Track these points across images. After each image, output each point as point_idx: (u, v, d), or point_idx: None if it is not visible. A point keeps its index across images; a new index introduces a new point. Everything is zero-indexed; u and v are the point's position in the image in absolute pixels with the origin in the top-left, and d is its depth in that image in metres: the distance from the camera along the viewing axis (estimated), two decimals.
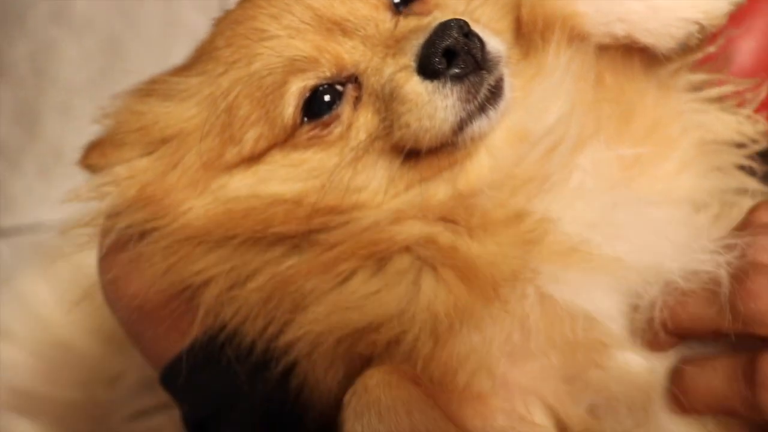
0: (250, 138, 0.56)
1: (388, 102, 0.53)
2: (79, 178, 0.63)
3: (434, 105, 0.52)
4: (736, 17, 1.04)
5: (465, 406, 0.51)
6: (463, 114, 0.52)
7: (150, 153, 0.60)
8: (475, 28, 0.52)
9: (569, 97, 0.56)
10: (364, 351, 0.52)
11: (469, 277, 0.51)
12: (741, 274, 0.52)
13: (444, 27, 0.50)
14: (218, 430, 0.65)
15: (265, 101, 0.56)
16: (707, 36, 0.65)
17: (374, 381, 0.48)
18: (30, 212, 1.93)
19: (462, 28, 0.50)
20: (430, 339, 0.51)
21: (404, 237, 0.52)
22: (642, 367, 0.56)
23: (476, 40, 0.51)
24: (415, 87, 0.52)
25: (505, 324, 0.52)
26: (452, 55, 0.51)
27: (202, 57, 0.62)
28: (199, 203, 0.57)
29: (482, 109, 0.53)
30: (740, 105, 0.68)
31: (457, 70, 0.51)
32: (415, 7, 0.59)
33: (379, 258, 0.53)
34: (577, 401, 0.55)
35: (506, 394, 0.53)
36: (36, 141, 2.02)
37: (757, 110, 0.67)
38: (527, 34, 0.61)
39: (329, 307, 0.52)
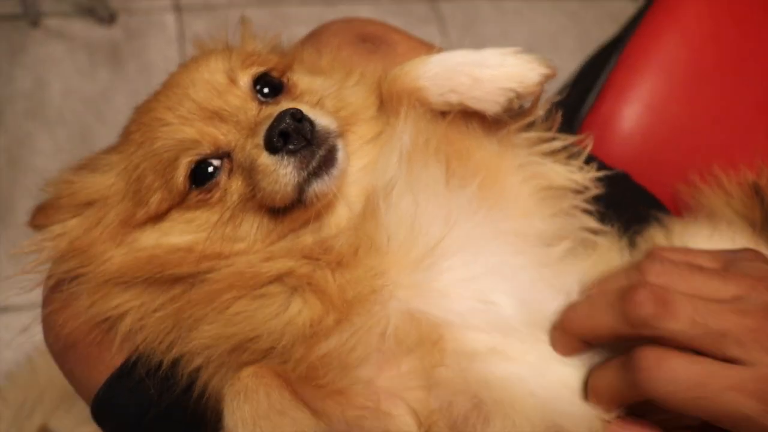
0: (155, 201, 0.68)
1: (250, 171, 0.66)
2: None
3: (278, 172, 0.64)
4: (619, 87, 1.21)
5: (328, 397, 0.60)
6: (299, 178, 0.65)
7: (79, 214, 0.71)
8: (309, 112, 0.65)
9: (403, 158, 0.68)
10: (248, 359, 0.62)
11: (323, 299, 0.63)
12: (632, 288, 0.60)
13: (281, 115, 0.64)
14: None
15: (164, 172, 0.68)
16: (534, 101, 0.75)
17: (246, 373, 0.58)
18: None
19: (294, 115, 0.63)
20: (301, 346, 0.62)
21: (271, 271, 0.64)
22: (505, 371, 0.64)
23: (307, 123, 0.64)
24: (264, 160, 0.64)
25: (358, 333, 0.62)
26: (287, 135, 0.64)
27: (122, 139, 0.75)
28: (117, 253, 0.68)
29: (317, 174, 0.65)
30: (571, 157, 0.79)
31: (291, 147, 0.64)
32: (282, 97, 0.72)
33: (255, 289, 0.64)
34: (436, 401, 0.63)
35: (372, 395, 0.62)
36: (8, 227, 2.13)
37: None
38: (387, 106, 0.74)
39: (215, 326, 0.63)
